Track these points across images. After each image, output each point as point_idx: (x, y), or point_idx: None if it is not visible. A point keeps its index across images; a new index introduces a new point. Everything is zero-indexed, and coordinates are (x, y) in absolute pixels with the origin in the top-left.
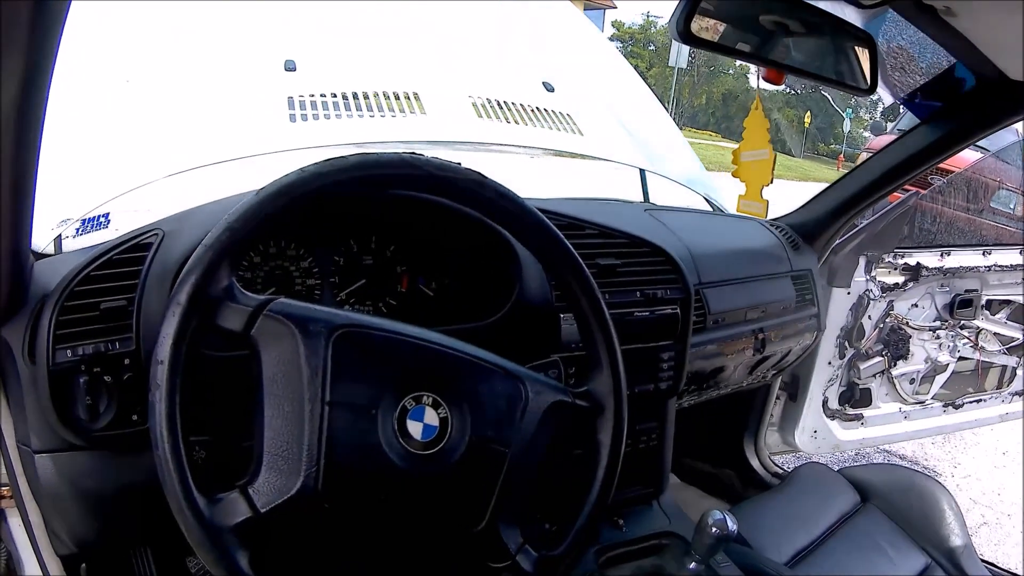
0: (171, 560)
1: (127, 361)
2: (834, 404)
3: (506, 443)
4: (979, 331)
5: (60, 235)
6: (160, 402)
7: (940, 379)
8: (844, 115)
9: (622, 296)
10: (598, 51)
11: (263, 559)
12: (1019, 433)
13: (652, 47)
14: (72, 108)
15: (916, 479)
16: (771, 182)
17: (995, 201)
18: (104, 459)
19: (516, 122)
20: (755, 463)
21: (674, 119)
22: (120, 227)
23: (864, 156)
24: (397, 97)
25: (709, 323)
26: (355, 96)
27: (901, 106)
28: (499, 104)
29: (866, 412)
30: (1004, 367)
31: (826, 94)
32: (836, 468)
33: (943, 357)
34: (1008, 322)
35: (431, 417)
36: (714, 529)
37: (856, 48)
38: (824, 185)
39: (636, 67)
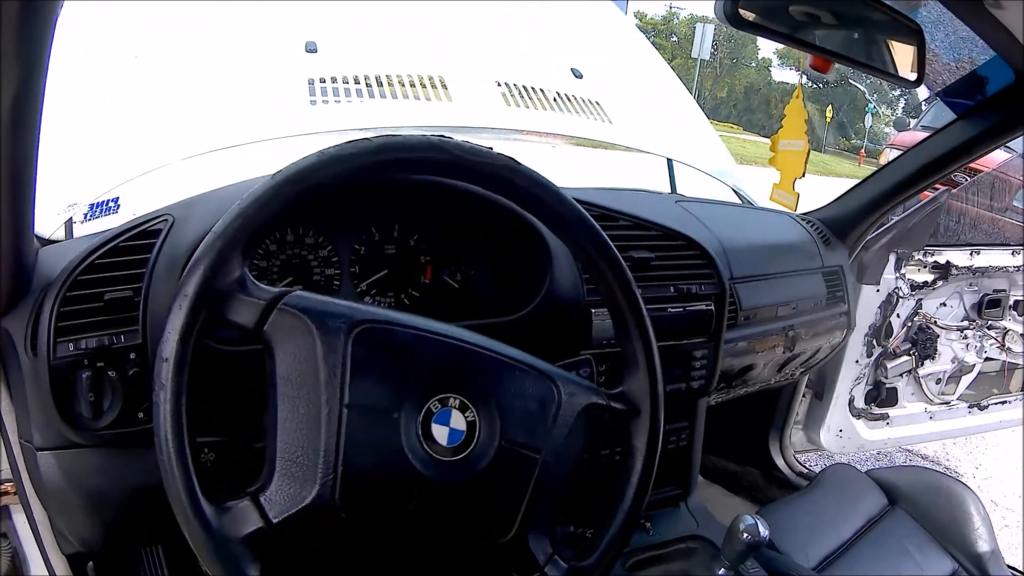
0: (183, 558)
1: (133, 355)
2: (860, 403)
3: (537, 448)
4: (1006, 332)
5: (71, 219)
6: (165, 403)
7: (966, 379)
8: (866, 110)
9: (655, 291)
10: (627, 39)
11: (275, 573)
12: None
13: (675, 38)
14: (85, 89)
15: (944, 482)
16: (803, 175)
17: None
18: (109, 457)
19: (544, 108)
20: (780, 462)
21: None
22: (131, 212)
23: (887, 152)
24: (422, 82)
25: (740, 319)
26: (378, 79)
27: (923, 103)
28: (527, 90)
29: (892, 412)
30: None
31: (856, 84)
32: (863, 469)
33: (970, 357)
34: None
35: (458, 421)
36: (745, 535)
37: (905, 38)
38: (846, 180)
39: None
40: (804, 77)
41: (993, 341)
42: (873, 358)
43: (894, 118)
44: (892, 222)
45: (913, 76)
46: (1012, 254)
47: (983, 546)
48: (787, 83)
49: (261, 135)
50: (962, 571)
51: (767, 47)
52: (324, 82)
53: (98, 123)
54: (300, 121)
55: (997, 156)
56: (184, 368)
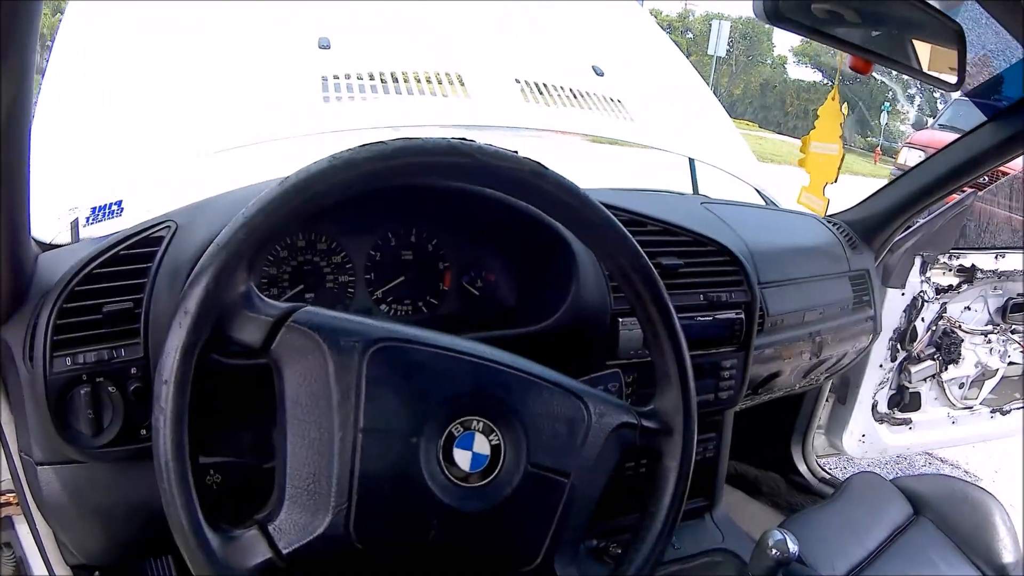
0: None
1: (134, 370)
2: (883, 408)
3: (565, 472)
4: None
5: (77, 223)
6: (165, 427)
7: (989, 384)
8: (882, 108)
9: (685, 299)
10: (648, 36)
11: None
12: None
13: (690, 34)
14: (91, 89)
15: (969, 491)
16: (836, 180)
17: None
18: (111, 472)
19: (564, 106)
20: (802, 467)
21: None
22: (135, 215)
23: (904, 150)
24: (439, 78)
25: (767, 326)
26: (393, 76)
27: (939, 101)
28: (547, 87)
29: (914, 416)
30: None
31: (880, 79)
32: (888, 477)
33: (993, 362)
34: None
35: (481, 445)
36: (774, 551)
37: (945, 40)
38: (862, 178)
39: None
40: (839, 78)
41: (1017, 345)
42: (897, 362)
43: (911, 116)
44: (918, 225)
45: (953, 79)
46: None
47: (1007, 556)
48: (802, 80)
49: (272, 134)
50: None
51: (782, 44)
52: (338, 79)
53: (104, 123)
54: (313, 119)
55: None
56: (186, 389)
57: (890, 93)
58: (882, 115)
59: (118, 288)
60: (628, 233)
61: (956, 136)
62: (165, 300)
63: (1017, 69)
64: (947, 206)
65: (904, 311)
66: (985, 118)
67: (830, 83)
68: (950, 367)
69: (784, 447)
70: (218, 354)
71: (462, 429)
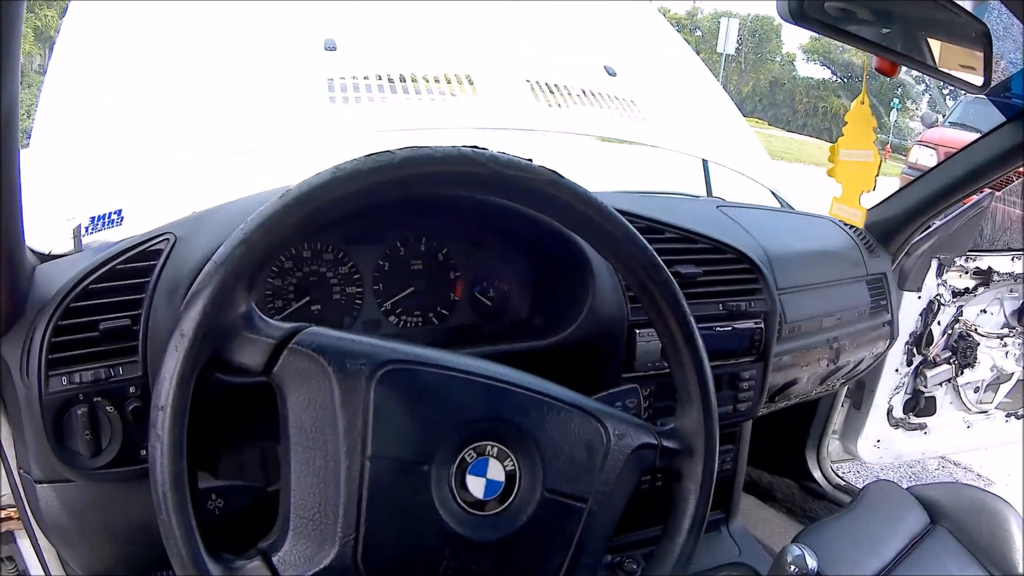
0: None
1: (132, 389)
2: (898, 413)
3: (583, 497)
4: None
5: (80, 232)
6: (162, 456)
7: (1005, 388)
8: (891, 104)
9: (703, 309)
10: (660, 35)
11: None
12: None
13: (699, 32)
14: (92, 92)
15: (986, 499)
16: (874, 188)
17: None
18: (112, 492)
19: (577, 107)
20: (817, 474)
21: None
22: (135, 224)
23: (915, 148)
24: (448, 79)
25: (785, 332)
26: (401, 77)
27: (949, 98)
28: (558, 88)
29: (929, 421)
30: None
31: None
32: (903, 482)
33: (1009, 365)
34: None
35: (496, 471)
36: (793, 568)
37: (971, 40)
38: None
39: None
40: (866, 81)
41: None
42: (913, 367)
43: (921, 113)
44: (935, 227)
45: (979, 80)
46: None
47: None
48: (811, 78)
49: (277, 138)
50: None
51: (791, 42)
52: (344, 80)
53: (105, 129)
54: (319, 122)
55: None
56: (183, 417)
57: (899, 90)
58: (892, 112)
59: (115, 304)
60: (648, 245)
61: (968, 133)
62: (164, 316)
63: None
64: (964, 207)
65: (920, 315)
66: (1004, 117)
67: (839, 80)
68: (966, 371)
69: (798, 453)
70: (220, 374)
71: (475, 455)
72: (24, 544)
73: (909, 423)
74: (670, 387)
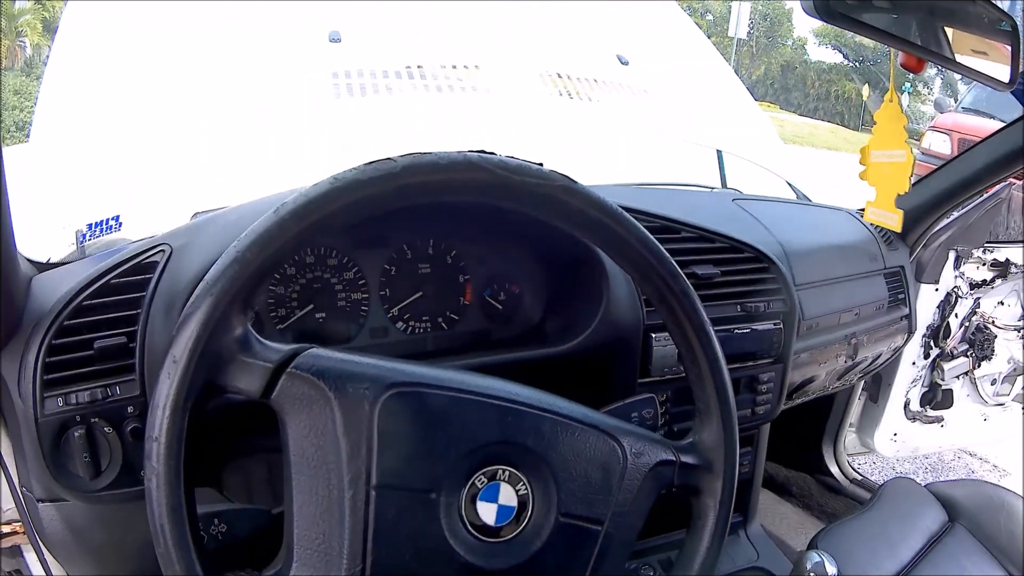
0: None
1: (130, 409)
2: (915, 406)
3: (600, 519)
4: None
5: (84, 240)
6: (158, 490)
7: (1022, 380)
8: (902, 89)
9: (721, 311)
10: (673, 22)
11: None
12: None
13: (709, 16)
14: (90, 94)
15: (1006, 498)
16: (907, 189)
17: None
18: (114, 511)
19: (589, 98)
20: (834, 468)
21: None
22: (134, 231)
23: (928, 134)
24: (456, 71)
25: (803, 329)
26: (408, 70)
27: (960, 82)
28: (570, 78)
29: (946, 414)
30: None
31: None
32: (918, 474)
33: None
34: None
35: (507, 496)
36: (812, 575)
37: (998, 36)
38: None
39: None
40: (893, 78)
41: None
42: (930, 360)
43: (934, 99)
44: (952, 218)
45: (1006, 77)
46: None
47: None
48: (823, 62)
49: (280, 134)
50: None
51: (803, 26)
52: (350, 75)
53: (104, 127)
54: (323, 117)
55: None
56: (179, 446)
57: (911, 74)
58: (903, 96)
59: (110, 321)
60: (666, 253)
61: (981, 119)
62: (161, 332)
63: None
64: (982, 198)
65: (938, 307)
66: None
67: (851, 64)
68: (983, 363)
69: (815, 447)
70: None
71: (486, 480)
72: (31, 558)
73: (926, 416)
74: (687, 392)
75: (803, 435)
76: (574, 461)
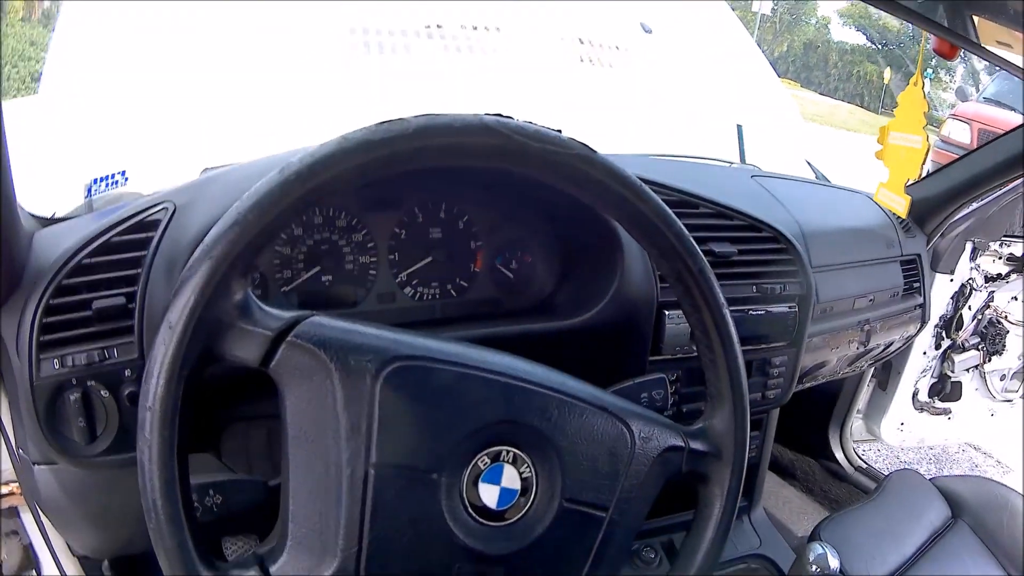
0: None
1: (128, 372)
2: (924, 397)
3: (604, 506)
4: None
5: (91, 195)
6: (151, 462)
7: None
8: (924, 75)
9: (737, 291)
10: None
11: None
12: None
13: None
14: (103, 48)
15: (1010, 497)
16: (918, 176)
17: None
18: (110, 475)
19: (610, 65)
20: (839, 455)
21: None
22: (141, 187)
23: (949, 121)
24: (477, 32)
25: (816, 313)
26: (427, 28)
27: (983, 72)
28: (592, 44)
29: (954, 407)
30: None
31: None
32: (925, 468)
33: None
34: None
35: (511, 478)
36: (815, 568)
37: None
38: None
39: None
40: (921, 61)
41: None
42: (941, 351)
43: (956, 87)
44: (971, 209)
45: None
46: None
47: None
48: (846, 42)
49: (294, 89)
50: None
51: (827, 6)
52: (367, 32)
53: (115, 79)
54: (339, 74)
55: None
56: (174, 417)
57: (934, 60)
58: (925, 82)
59: (110, 280)
60: (685, 231)
61: (1002, 110)
62: (162, 294)
63: None
64: (1002, 191)
65: (952, 298)
66: None
67: (874, 46)
68: (994, 358)
69: (821, 431)
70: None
71: (489, 461)
72: (28, 519)
73: (934, 407)
74: (698, 372)
75: (810, 418)
76: (581, 444)
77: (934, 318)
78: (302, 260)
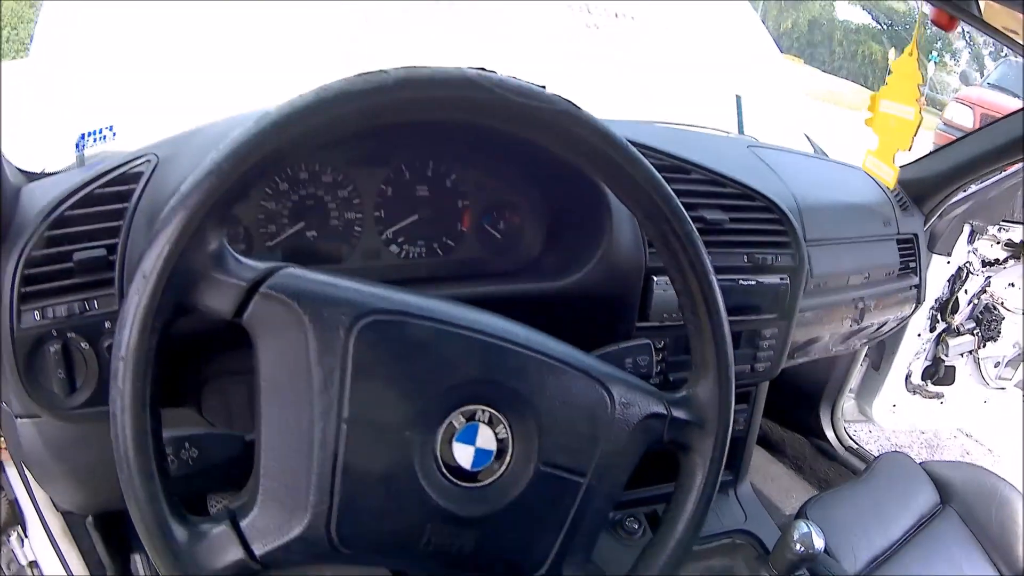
0: (193, 504)
1: (107, 324)
2: (917, 379)
3: (582, 471)
4: None
5: (82, 149)
6: (123, 412)
7: None
8: (929, 58)
9: (727, 259)
10: None
11: None
12: None
13: None
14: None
15: (999, 487)
16: (909, 149)
17: None
18: (91, 429)
19: (613, 28)
20: (829, 433)
21: None
22: (129, 142)
23: (952, 105)
24: None
25: (809, 287)
26: None
27: (988, 58)
28: (591, 12)
29: (947, 391)
30: None
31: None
32: (916, 451)
33: None
34: None
35: (486, 439)
36: (799, 547)
37: None
38: None
39: None
40: (918, 31)
41: None
42: (935, 333)
43: (960, 71)
44: (971, 191)
45: None
46: None
47: None
48: (851, 21)
49: (291, 45)
50: None
51: None
52: None
53: (108, 35)
54: (325, 23)
55: None
56: (147, 367)
57: (939, 43)
58: (929, 65)
59: (92, 232)
60: (672, 194)
61: (1006, 96)
62: (142, 245)
63: None
64: (1003, 175)
65: (948, 280)
66: None
67: (880, 26)
68: (988, 344)
69: (812, 409)
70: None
71: (464, 420)
72: (12, 474)
73: (926, 391)
74: (686, 341)
75: (802, 396)
76: (559, 407)
77: (929, 300)
78: (287, 215)
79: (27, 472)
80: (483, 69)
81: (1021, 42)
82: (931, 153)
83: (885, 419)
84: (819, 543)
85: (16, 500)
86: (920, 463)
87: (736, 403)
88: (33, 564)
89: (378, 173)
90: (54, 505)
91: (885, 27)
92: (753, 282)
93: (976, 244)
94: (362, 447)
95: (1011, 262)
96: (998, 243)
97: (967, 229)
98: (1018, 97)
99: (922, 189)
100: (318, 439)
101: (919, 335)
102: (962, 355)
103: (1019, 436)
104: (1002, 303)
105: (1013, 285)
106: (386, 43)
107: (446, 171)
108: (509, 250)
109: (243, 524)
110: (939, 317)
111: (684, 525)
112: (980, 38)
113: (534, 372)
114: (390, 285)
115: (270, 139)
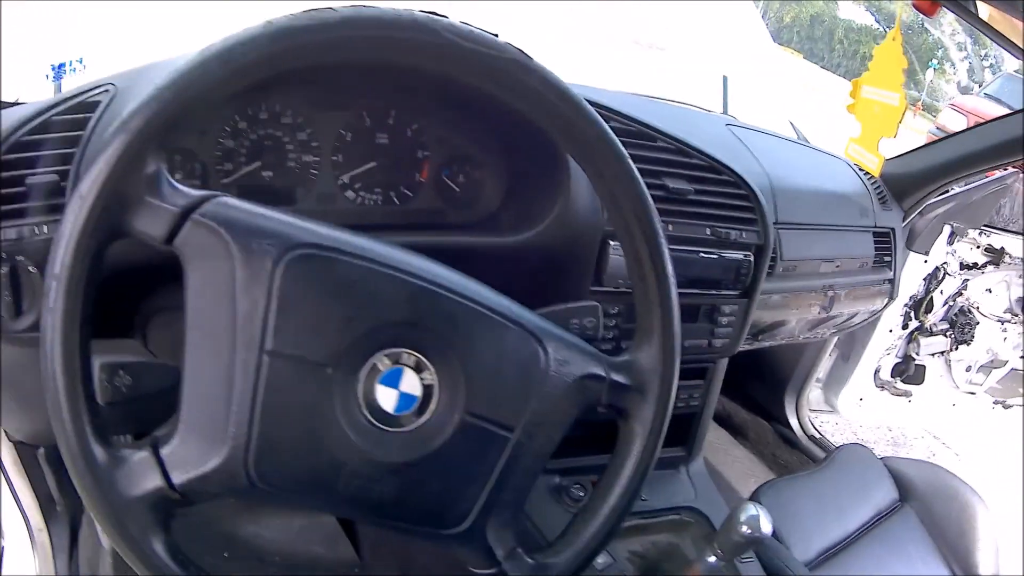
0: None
1: None
2: (886, 375)
3: (510, 425)
4: None
5: (59, 77)
6: (54, 331)
7: (997, 373)
8: (929, 64)
9: (689, 230)
10: None
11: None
12: None
13: None
14: None
15: (959, 488)
16: (895, 135)
17: None
18: (35, 354)
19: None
20: (793, 420)
21: None
22: (100, 73)
23: (946, 111)
24: None
25: (779, 270)
26: None
27: (989, 71)
28: None
29: (915, 390)
30: None
31: (941, 37)
32: (880, 447)
33: (1005, 352)
34: None
35: (411, 384)
36: (746, 529)
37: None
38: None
39: None
40: (900, 17)
41: None
42: (908, 331)
43: (957, 78)
44: (953, 192)
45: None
46: None
47: (986, 568)
48: (853, 21)
49: None
50: None
51: None
52: None
53: None
54: None
55: None
56: (80, 287)
57: (940, 52)
58: (928, 71)
59: (48, 158)
60: (624, 152)
61: (1001, 108)
62: None
63: None
64: (987, 179)
65: (924, 279)
66: None
67: (882, 29)
68: (961, 347)
69: (778, 395)
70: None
71: (389, 363)
72: None
73: (895, 388)
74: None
75: (768, 380)
76: (489, 357)
77: (904, 297)
78: (244, 154)
79: None
80: (433, 13)
81: (1012, 39)
82: (915, 149)
83: (851, 411)
84: (767, 527)
85: None
86: (881, 458)
87: (691, 378)
88: None
89: (338, 118)
90: (7, 435)
91: (887, 30)
92: (715, 256)
93: (955, 246)
94: (283, 381)
95: (990, 267)
96: (978, 247)
97: (947, 230)
98: (1011, 110)
99: (903, 184)
100: (239, 370)
101: (891, 331)
102: (933, 356)
103: (986, 441)
104: (977, 307)
105: (991, 291)
106: None
107: (408, 121)
108: (466, 204)
109: (163, 452)
110: (913, 315)
111: (618, 493)
112: (981, 50)
113: (465, 320)
114: (323, 222)
115: (212, 69)
